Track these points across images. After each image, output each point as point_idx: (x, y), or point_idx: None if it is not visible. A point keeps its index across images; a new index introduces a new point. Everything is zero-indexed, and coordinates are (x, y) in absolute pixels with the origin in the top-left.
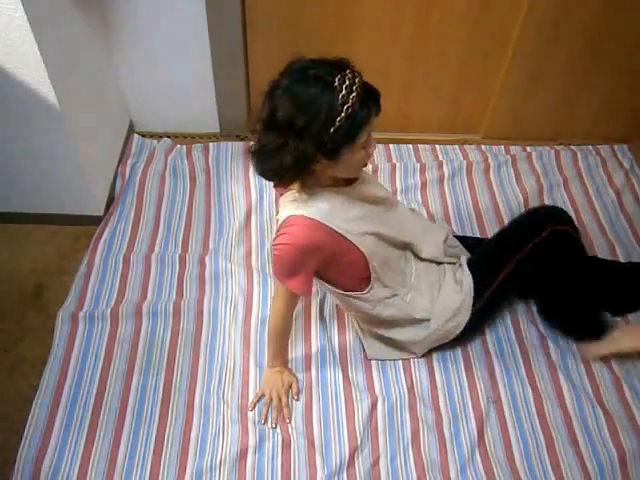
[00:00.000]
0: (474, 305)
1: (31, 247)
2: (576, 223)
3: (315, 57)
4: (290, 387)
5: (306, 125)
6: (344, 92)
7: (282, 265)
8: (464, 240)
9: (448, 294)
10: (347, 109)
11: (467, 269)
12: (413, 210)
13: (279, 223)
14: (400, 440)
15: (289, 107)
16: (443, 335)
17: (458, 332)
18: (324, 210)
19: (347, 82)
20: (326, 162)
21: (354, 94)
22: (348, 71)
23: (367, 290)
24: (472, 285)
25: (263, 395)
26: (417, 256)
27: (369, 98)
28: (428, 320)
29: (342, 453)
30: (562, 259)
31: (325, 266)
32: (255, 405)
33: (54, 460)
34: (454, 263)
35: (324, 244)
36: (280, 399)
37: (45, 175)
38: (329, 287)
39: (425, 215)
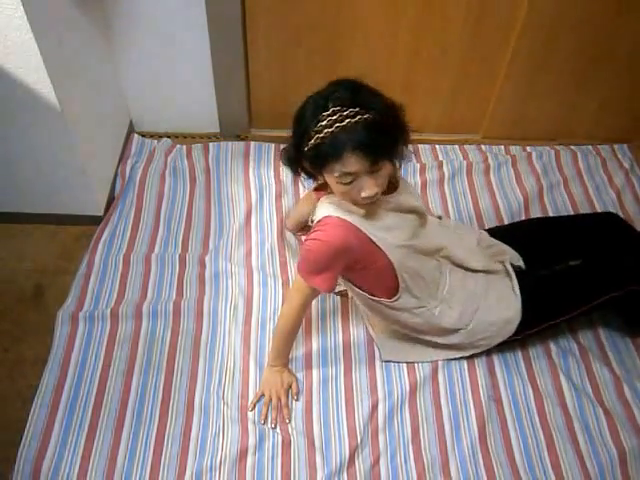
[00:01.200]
0: (518, 333)
1: (31, 247)
2: None
3: (363, 81)
4: (290, 387)
5: (294, 132)
6: (324, 123)
7: (311, 261)
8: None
9: (487, 314)
10: (316, 138)
11: (518, 289)
12: (440, 218)
13: (314, 223)
14: (400, 438)
15: (299, 110)
16: (469, 347)
17: (486, 348)
18: (358, 215)
19: (335, 117)
20: (317, 173)
21: (330, 130)
22: (351, 110)
23: (395, 299)
24: (519, 309)
25: (263, 395)
26: (453, 269)
27: (349, 143)
28: (457, 330)
29: (342, 452)
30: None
31: (353, 269)
32: (255, 405)
33: (54, 460)
34: (495, 272)
35: (354, 246)
36: (279, 399)
37: (45, 175)
38: (356, 290)
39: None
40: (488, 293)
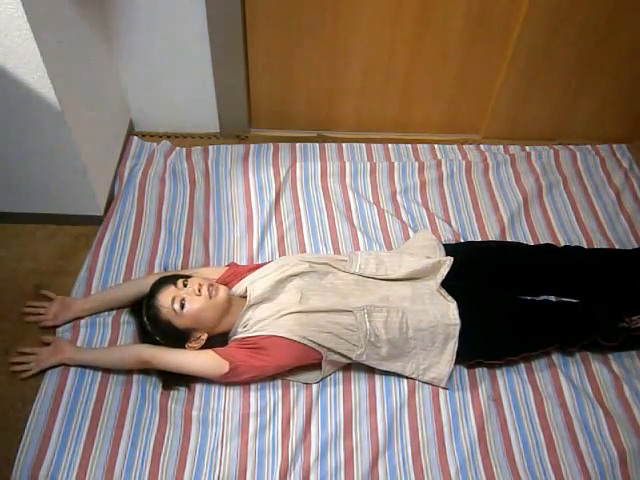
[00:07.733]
0: (500, 357)
1: (31, 247)
2: (576, 225)
3: None
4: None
5: None
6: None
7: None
8: (471, 251)
9: (420, 321)
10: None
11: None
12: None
13: None
14: (399, 439)
15: None
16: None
17: (443, 384)
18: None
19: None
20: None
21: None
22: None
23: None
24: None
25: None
26: (371, 313)
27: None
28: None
29: (339, 453)
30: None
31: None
32: None
33: (51, 469)
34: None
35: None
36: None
37: (45, 175)
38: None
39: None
40: (416, 303)
